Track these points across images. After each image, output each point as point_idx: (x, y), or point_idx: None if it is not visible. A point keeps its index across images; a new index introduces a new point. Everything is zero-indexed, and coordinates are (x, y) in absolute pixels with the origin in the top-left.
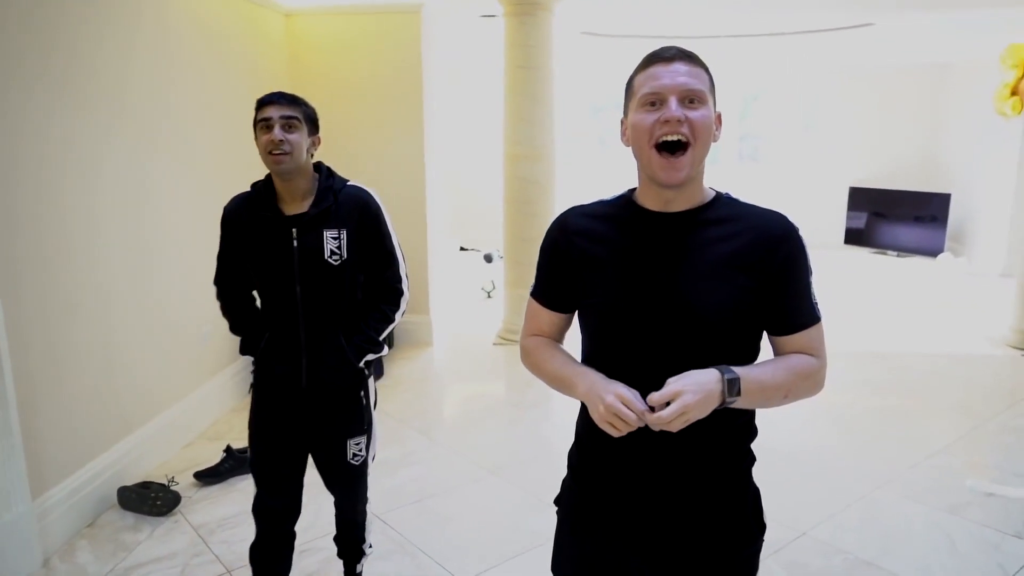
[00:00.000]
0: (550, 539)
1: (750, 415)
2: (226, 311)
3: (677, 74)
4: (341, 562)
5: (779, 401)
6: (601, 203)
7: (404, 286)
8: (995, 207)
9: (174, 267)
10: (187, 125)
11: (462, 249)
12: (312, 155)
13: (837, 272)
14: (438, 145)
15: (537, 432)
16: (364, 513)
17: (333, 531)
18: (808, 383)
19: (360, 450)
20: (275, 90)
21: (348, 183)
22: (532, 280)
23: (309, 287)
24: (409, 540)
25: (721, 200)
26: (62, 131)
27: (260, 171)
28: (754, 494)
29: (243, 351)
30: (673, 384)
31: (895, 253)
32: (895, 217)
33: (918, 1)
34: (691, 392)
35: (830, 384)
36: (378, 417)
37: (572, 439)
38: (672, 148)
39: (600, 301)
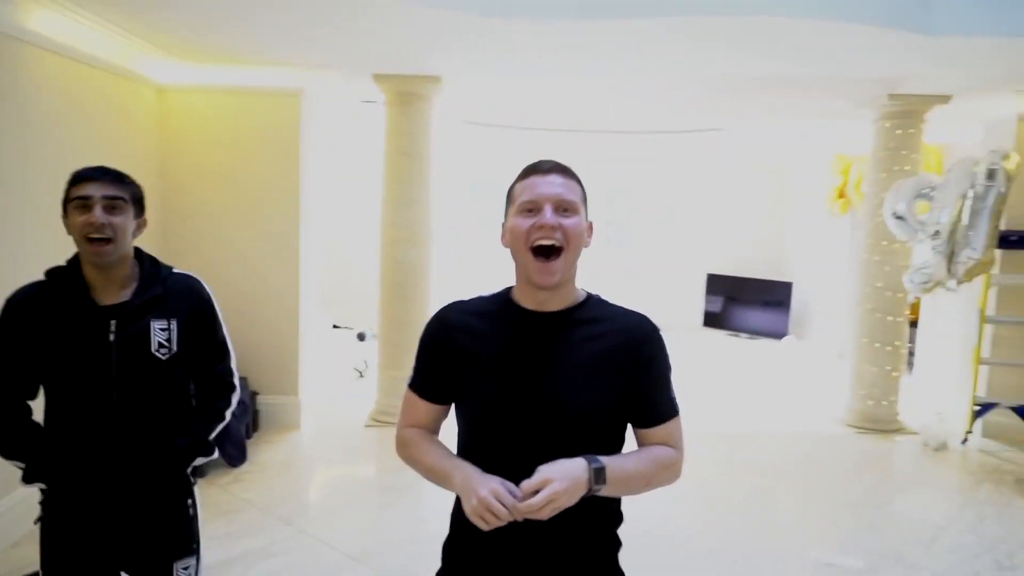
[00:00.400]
0: None
1: (616, 503)
2: (1, 428)
3: (553, 185)
4: None
5: (641, 489)
6: (480, 299)
7: (236, 380)
8: (830, 295)
9: None
10: (45, 198)
11: (335, 327)
12: (136, 237)
13: (697, 352)
14: (314, 223)
15: (411, 516)
16: None
17: None
18: (668, 473)
19: (190, 574)
20: (97, 166)
21: (174, 270)
22: (406, 362)
23: (129, 389)
24: None
25: (592, 300)
26: None
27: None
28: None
29: (28, 479)
30: (543, 472)
31: (747, 335)
32: (746, 302)
33: (754, 111)
34: (559, 480)
35: (695, 462)
36: (241, 507)
37: (446, 523)
38: (547, 252)
39: (478, 396)
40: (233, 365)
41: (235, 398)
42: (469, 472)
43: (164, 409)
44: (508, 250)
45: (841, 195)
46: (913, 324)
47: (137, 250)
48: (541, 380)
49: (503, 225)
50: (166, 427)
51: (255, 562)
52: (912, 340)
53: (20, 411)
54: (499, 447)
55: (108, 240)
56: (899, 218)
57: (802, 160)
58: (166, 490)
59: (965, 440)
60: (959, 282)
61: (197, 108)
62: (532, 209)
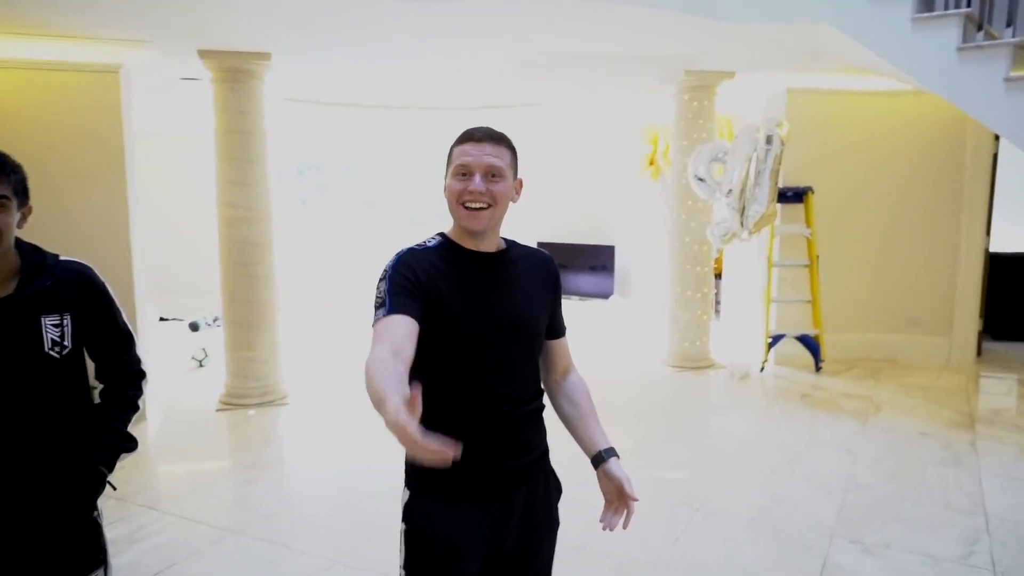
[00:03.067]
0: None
1: (541, 415)
2: None
3: (484, 153)
4: None
5: None
6: (426, 247)
7: (144, 367)
8: (648, 255)
9: None
10: None
11: (162, 320)
12: (21, 228)
13: None
14: (142, 211)
15: (277, 488)
16: None
17: None
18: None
19: None
20: None
21: (60, 258)
22: (256, 341)
23: (18, 395)
24: None
25: (511, 243)
26: None
27: None
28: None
29: None
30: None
31: (577, 297)
32: (575, 267)
33: (569, 86)
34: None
35: (549, 412)
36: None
37: (312, 496)
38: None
39: (453, 326)
40: (139, 351)
41: (146, 385)
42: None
43: (64, 411)
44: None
45: (652, 162)
46: (718, 275)
47: (18, 240)
48: (502, 306)
49: (444, 180)
50: (70, 433)
51: (123, 548)
52: (718, 290)
53: None
54: (474, 365)
55: None
56: (700, 179)
57: (616, 131)
58: (88, 504)
59: (763, 368)
60: (750, 233)
61: (7, 85)
62: (465, 174)
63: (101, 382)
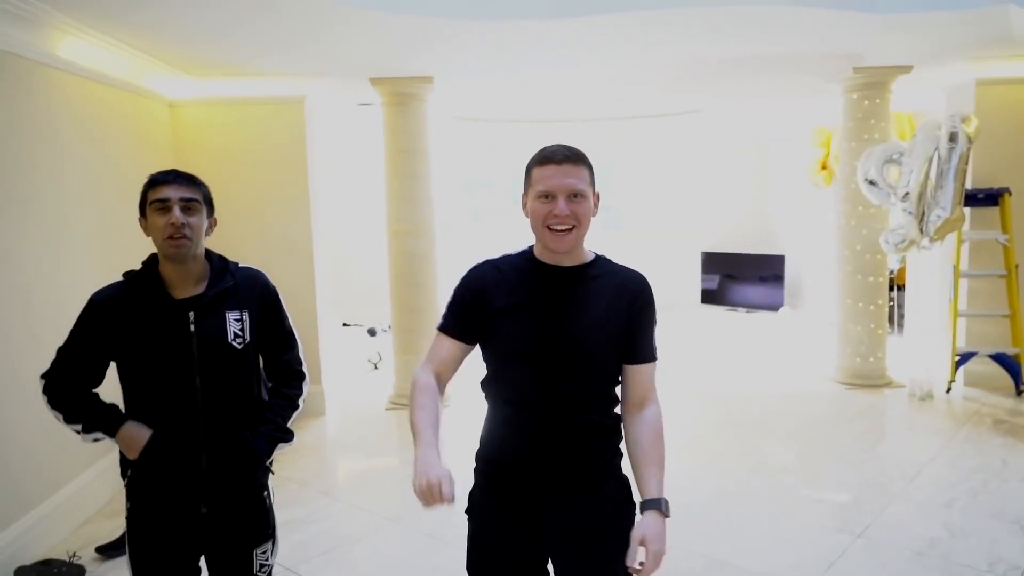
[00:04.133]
0: (453, 572)
1: (615, 422)
2: (57, 403)
3: (565, 176)
4: None
5: None
6: (506, 257)
7: (305, 369)
8: (821, 265)
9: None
10: (67, 211)
11: (345, 325)
12: (208, 236)
13: (695, 328)
14: (323, 225)
15: None
16: None
17: None
18: (663, 433)
19: (267, 559)
20: (170, 169)
21: (240, 265)
22: (420, 347)
23: (210, 376)
24: None
25: (599, 259)
26: None
27: (139, 257)
28: (624, 479)
29: (87, 430)
30: (649, 545)
31: (744, 309)
32: (742, 277)
33: (729, 92)
34: (657, 542)
35: (696, 422)
36: (278, 483)
37: (463, 488)
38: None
39: (507, 333)
40: (301, 354)
41: (306, 386)
42: (426, 452)
43: (243, 397)
44: (529, 220)
45: (824, 167)
46: (902, 287)
47: (207, 250)
48: (560, 321)
49: (523, 198)
50: (245, 415)
51: (300, 527)
52: (901, 303)
53: (82, 397)
54: (527, 375)
55: (186, 238)
56: (871, 183)
57: (782, 135)
58: (248, 480)
59: (949, 389)
60: (931, 240)
61: (207, 121)
62: (548, 196)
63: (269, 379)
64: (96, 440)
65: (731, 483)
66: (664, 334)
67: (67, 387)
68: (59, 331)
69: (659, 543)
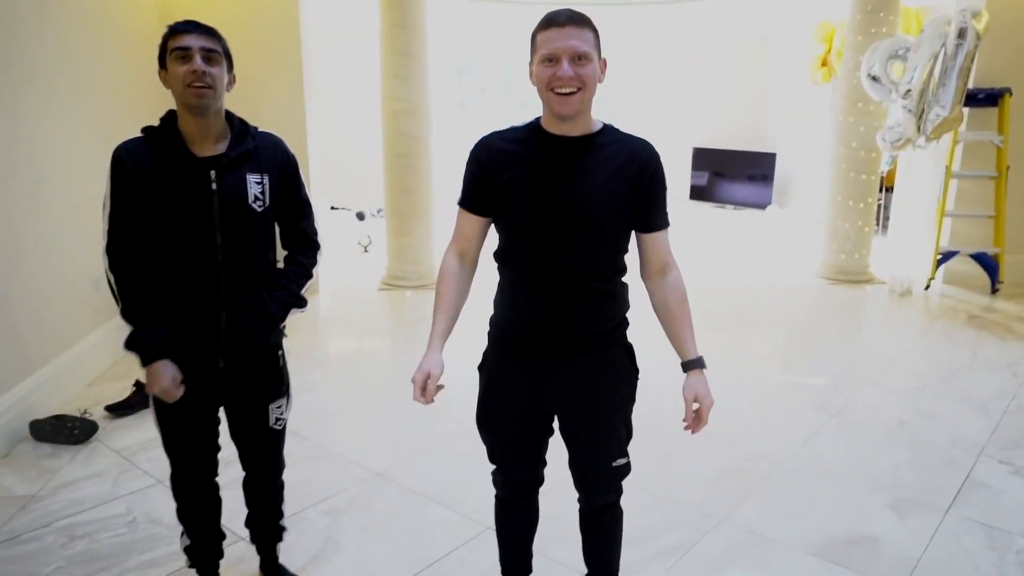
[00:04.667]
0: (458, 435)
1: (623, 292)
2: (123, 287)
3: (568, 37)
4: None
5: None
6: (514, 129)
7: (320, 239)
8: (812, 164)
9: (66, 207)
10: (65, 63)
11: (333, 208)
12: (228, 91)
13: (684, 224)
14: (315, 105)
15: None
16: (282, 485)
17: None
18: (687, 296)
19: (281, 413)
20: (189, 19)
21: (259, 129)
22: (413, 229)
23: (230, 235)
24: (324, 447)
25: (607, 128)
26: None
27: (150, 112)
28: (629, 347)
29: (130, 318)
30: (699, 399)
31: (732, 207)
32: (731, 175)
33: None
34: (706, 395)
35: (693, 316)
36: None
37: (466, 364)
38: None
39: (516, 204)
40: (316, 224)
41: (320, 256)
42: (431, 354)
43: (260, 260)
44: (535, 88)
45: (824, 63)
46: (890, 188)
47: (227, 111)
48: (567, 189)
49: (530, 67)
50: (262, 279)
51: (300, 394)
52: (888, 204)
53: (142, 267)
54: (533, 245)
55: (208, 87)
56: (874, 79)
57: (785, 29)
58: (263, 338)
59: (928, 286)
60: (928, 139)
61: None
62: (551, 60)
63: (284, 247)
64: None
65: (717, 368)
66: None
67: (130, 256)
68: (61, 190)
69: (709, 397)
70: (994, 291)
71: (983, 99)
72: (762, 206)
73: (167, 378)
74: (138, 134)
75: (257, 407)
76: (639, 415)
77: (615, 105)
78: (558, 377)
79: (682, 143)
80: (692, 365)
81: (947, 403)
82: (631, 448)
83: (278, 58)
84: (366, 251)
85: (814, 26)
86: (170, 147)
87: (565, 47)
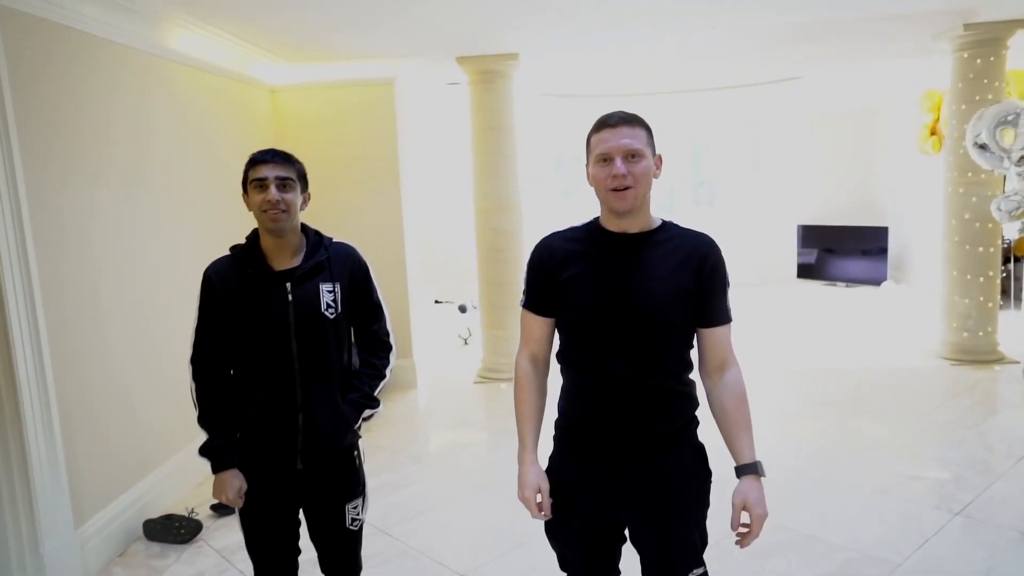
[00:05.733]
0: (536, 536)
1: (691, 389)
2: (202, 394)
3: (620, 136)
4: None
5: None
6: (573, 229)
7: (392, 340)
8: (927, 236)
9: (179, 323)
10: (188, 189)
11: (436, 302)
12: (303, 210)
13: (792, 304)
14: (413, 204)
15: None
16: None
17: None
18: (746, 395)
19: (358, 514)
20: (269, 148)
21: (334, 239)
22: (507, 322)
23: (305, 342)
24: (411, 547)
25: (666, 225)
26: (86, 199)
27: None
28: (700, 447)
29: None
30: (751, 510)
31: (844, 284)
32: (842, 251)
33: (828, 56)
34: (759, 505)
35: (790, 396)
36: (371, 451)
37: (546, 459)
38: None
39: (577, 303)
40: (389, 326)
41: (393, 357)
42: (527, 469)
43: (334, 364)
44: (592, 188)
45: (933, 132)
46: (1019, 259)
47: (303, 225)
48: (629, 285)
49: (586, 167)
50: (336, 382)
51: (392, 491)
52: (1020, 275)
53: (224, 377)
54: (597, 343)
55: (283, 211)
56: (981, 147)
57: (890, 100)
58: (338, 440)
59: None
60: None
61: (304, 104)
62: (606, 159)
63: (359, 348)
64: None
65: (823, 457)
66: (758, 309)
67: (206, 365)
68: (176, 305)
69: (761, 506)
70: None
71: None
72: (877, 282)
73: (233, 488)
74: (227, 252)
75: (334, 508)
76: (726, 516)
77: (716, 189)
78: (626, 481)
79: (787, 221)
80: (747, 470)
81: None
82: (719, 553)
83: (376, 158)
84: (466, 343)
85: (920, 95)
86: (253, 263)
87: (618, 146)
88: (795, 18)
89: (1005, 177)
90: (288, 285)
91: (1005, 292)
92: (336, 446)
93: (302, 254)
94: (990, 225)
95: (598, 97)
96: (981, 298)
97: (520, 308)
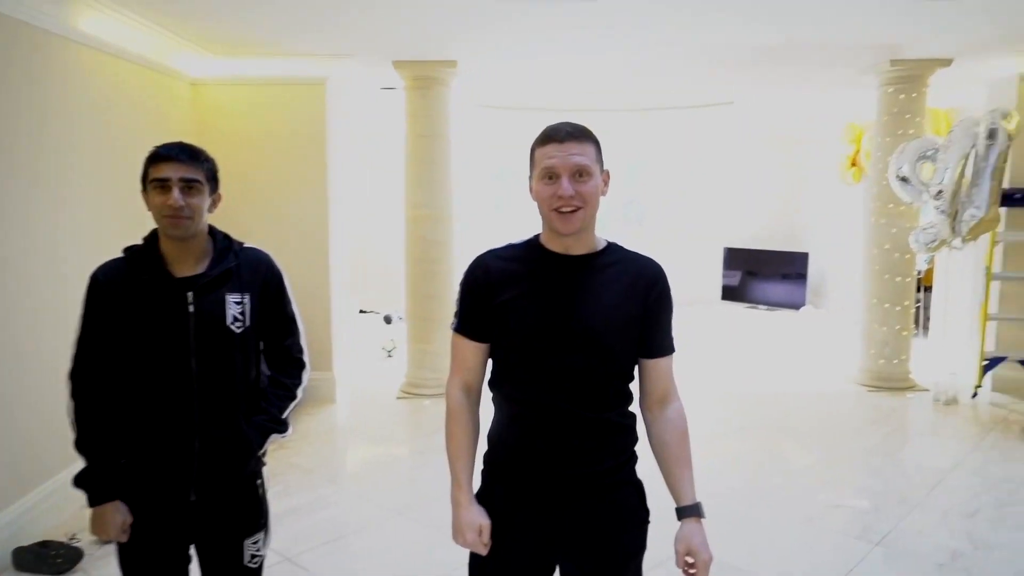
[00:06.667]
0: (456, 568)
1: (632, 422)
2: (81, 415)
3: (568, 153)
4: None
5: None
6: (511, 246)
7: (305, 357)
8: (847, 264)
9: (66, 331)
10: (93, 186)
11: (361, 312)
12: (212, 212)
13: (715, 325)
14: (340, 209)
15: (442, 475)
16: None
17: None
18: (687, 431)
19: (258, 550)
20: (174, 143)
21: (245, 245)
22: (435, 336)
23: (207, 359)
24: None
25: (611, 247)
26: None
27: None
28: (639, 485)
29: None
30: (694, 554)
31: (765, 307)
32: (764, 275)
33: (761, 83)
34: (703, 549)
35: (715, 421)
36: (283, 470)
37: (478, 481)
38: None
39: (515, 328)
40: (303, 341)
41: (306, 376)
42: (461, 500)
43: (239, 384)
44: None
45: (853, 163)
46: (928, 288)
47: (210, 227)
48: (570, 312)
49: (529, 181)
50: (240, 404)
51: (304, 515)
52: (927, 304)
53: (105, 397)
54: (535, 372)
55: (186, 218)
56: (903, 180)
57: (814, 131)
58: (239, 469)
59: (975, 394)
60: (964, 240)
61: (228, 100)
62: (551, 176)
63: (268, 367)
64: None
65: (749, 485)
66: (683, 330)
67: (93, 384)
68: (62, 311)
69: (707, 551)
70: None
71: (1020, 199)
72: (796, 306)
73: (114, 524)
74: (120, 254)
75: (230, 544)
76: (655, 562)
77: (645, 209)
78: (563, 522)
79: (714, 243)
80: (688, 512)
81: (1005, 531)
82: None
83: (304, 160)
84: (390, 355)
85: (842, 127)
86: (149, 268)
87: (564, 164)
88: (735, 40)
89: (920, 210)
90: (190, 295)
91: (915, 321)
92: (237, 475)
93: (208, 260)
94: (907, 256)
95: (537, 111)
96: (897, 326)
97: (452, 331)
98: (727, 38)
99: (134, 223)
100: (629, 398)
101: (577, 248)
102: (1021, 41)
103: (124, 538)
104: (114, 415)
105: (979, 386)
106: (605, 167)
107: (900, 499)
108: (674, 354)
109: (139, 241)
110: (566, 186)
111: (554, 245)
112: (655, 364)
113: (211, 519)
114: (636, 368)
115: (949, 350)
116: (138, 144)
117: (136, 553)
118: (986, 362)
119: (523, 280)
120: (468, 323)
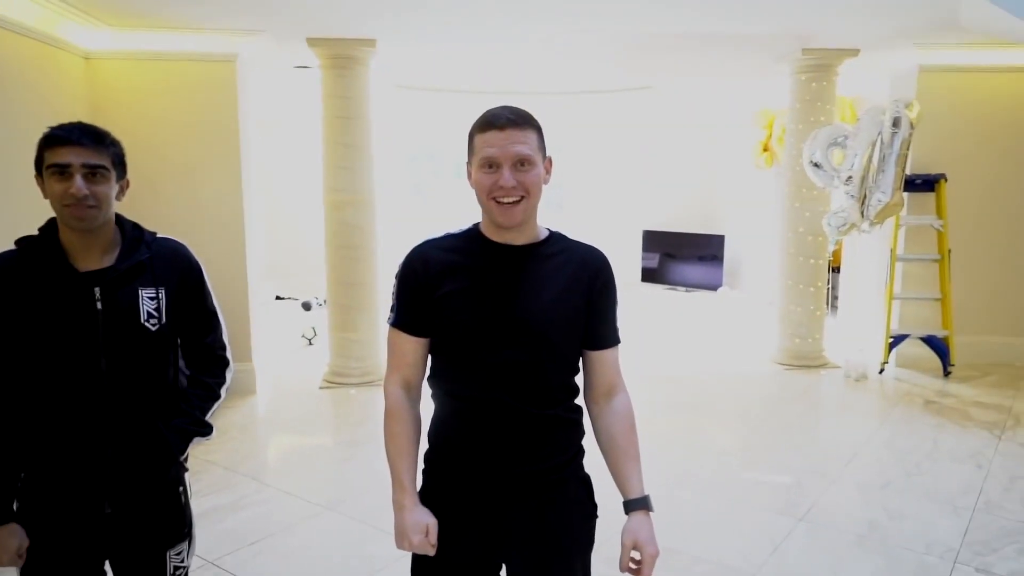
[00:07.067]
0: (389, 563)
1: (578, 416)
2: None
3: (510, 142)
4: None
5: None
6: (450, 236)
7: (228, 354)
8: (760, 246)
9: None
10: None
11: (278, 298)
12: (119, 200)
13: (636, 307)
14: (255, 193)
15: (370, 466)
16: None
17: None
18: (635, 423)
19: (182, 560)
20: (74, 124)
21: (158, 235)
22: (357, 323)
23: (118, 359)
24: None
25: (553, 236)
26: None
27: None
28: (586, 480)
29: None
30: (640, 547)
31: (683, 288)
32: (682, 257)
33: (679, 69)
34: (650, 543)
35: (639, 404)
36: (204, 468)
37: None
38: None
39: (455, 321)
40: (225, 337)
41: (229, 374)
42: (404, 502)
43: (155, 385)
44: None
45: (766, 148)
46: (836, 269)
47: (118, 216)
48: (513, 304)
49: (468, 167)
50: (158, 406)
51: (226, 515)
52: (835, 284)
53: (4, 406)
54: (477, 367)
55: (91, 207)
56: (816, 165)
57: (729, 116)
58: (159, 476)
59: (882, 370)
60: (871, 224)
61: (127, 77)
62: (492, 165)
63: (187, 366)
64: None
65: (674, 467)
66: None
67: None
68: None
69: (653, 545)
70: (946, 374)
71: (921, 184)
72: (713, 287)
73: (8, 550)
74: (11, 246)
75: (152, 556)
76: (603, 557)
77: (565, 193)
78: (509, 522)
79: (633, 226)
80: (636, 505)
81: (914, 500)
82: None
83: (214, 142)
84: (311, 343)
85: (755, 113)
86: (48, 262)
87: (505, 153)
88: (655, 28)
89: (832, 194)
90: (97, 290)
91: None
92: (156, 483)
93: (116, 252)
94: (820, 239)
95: (454, 92)
96: (811, 307)
97: (388, 325)
98: (644, 26)
99: (25, 212)
100: (575, 391)
101: (519, 238)
102: (920, 35)
103: (20, 563)
104: (9, 427)
105: (885, 362)
106: (547, 154)
107: (819, 474)
108: (619, 345)
109: (34, 232)
110: (507, 177)
111: (495, 235)
112: (600, 356)
113: (129, 531)
114: (580, 361)
115: (856, 328)
116: (21, 125)
117: (42, 574)
118: (891, 339)
119: (464, 272)
120: (406, 317)
